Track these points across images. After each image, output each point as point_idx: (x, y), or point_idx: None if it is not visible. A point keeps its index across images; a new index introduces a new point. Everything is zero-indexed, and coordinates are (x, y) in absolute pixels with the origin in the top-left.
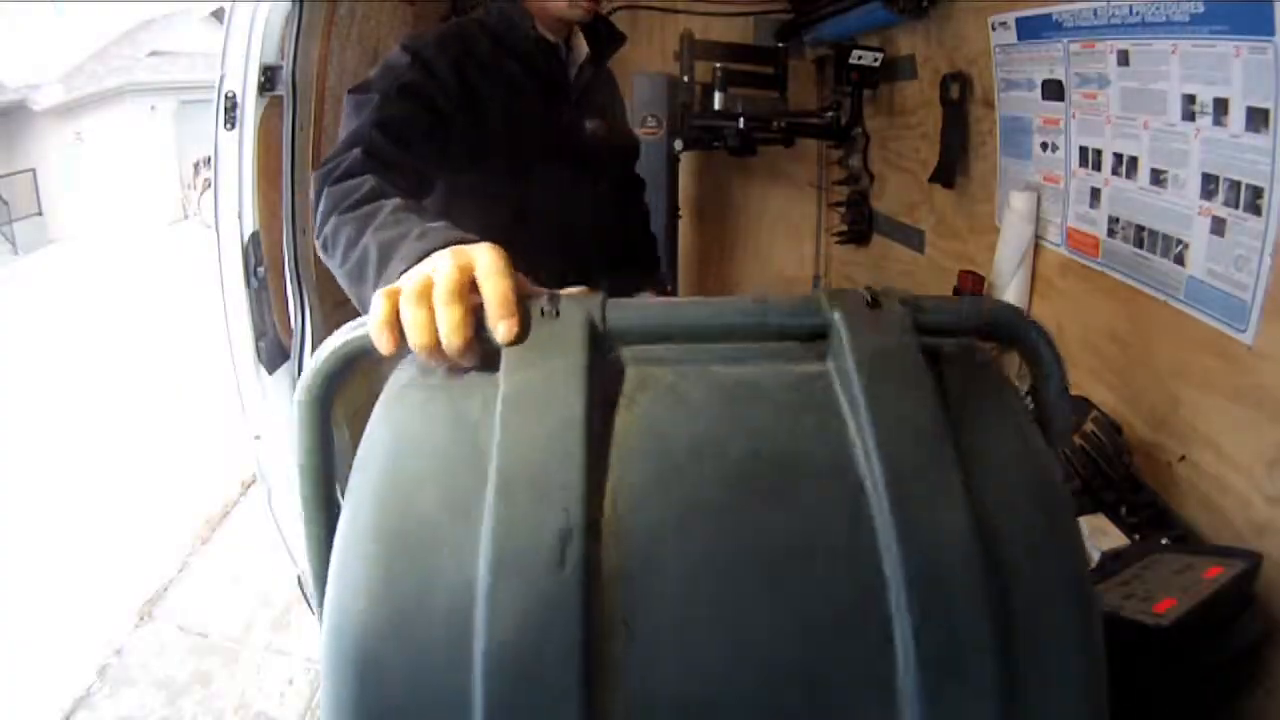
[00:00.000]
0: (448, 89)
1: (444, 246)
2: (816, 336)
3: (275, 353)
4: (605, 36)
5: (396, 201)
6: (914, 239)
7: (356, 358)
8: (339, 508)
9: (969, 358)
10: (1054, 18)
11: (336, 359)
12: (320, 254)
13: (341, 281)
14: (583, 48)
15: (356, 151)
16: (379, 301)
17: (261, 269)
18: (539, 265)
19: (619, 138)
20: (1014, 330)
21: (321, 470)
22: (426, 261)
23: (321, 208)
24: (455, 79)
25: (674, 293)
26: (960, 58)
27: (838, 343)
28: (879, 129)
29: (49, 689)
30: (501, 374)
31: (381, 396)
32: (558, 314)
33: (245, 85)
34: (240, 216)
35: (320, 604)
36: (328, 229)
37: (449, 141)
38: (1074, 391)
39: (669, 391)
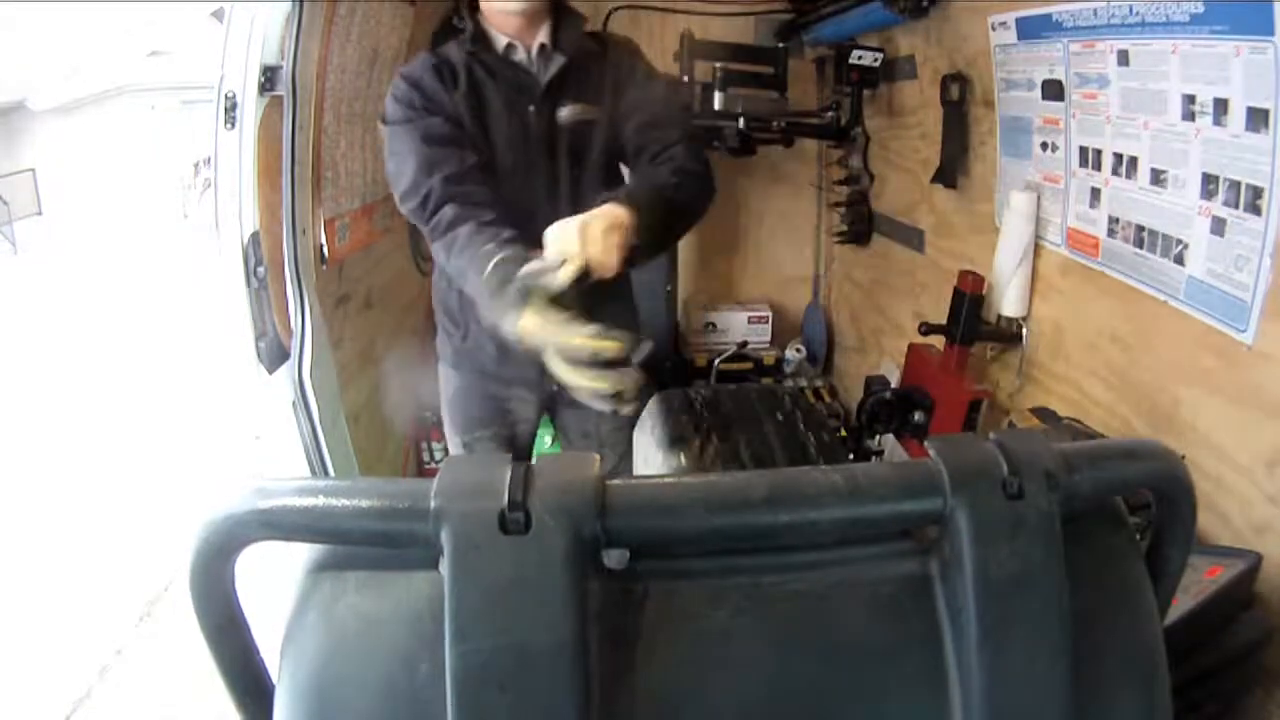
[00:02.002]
0: (445, 109)
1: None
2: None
3: (275, 353)
4: (566, 29)
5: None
6: (914, 239)
7: (248, 528)
8: (268, 682)
9: (1109, 535)
10: (1054, 18)
11: (223, 533)
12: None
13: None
14: (540, 37)
15: (433, 183)
16: None
17: (261, 269)
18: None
19: (614, 110)
20: (1170, 491)
21: (237, 654)
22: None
23: (431, 230)
24: (447, 99)
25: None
26: (960, 58)
27: (953, 551)
28: (879, 129)
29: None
30: (448, 638)
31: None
32: (527, 526)
33: (245, 85)
34: (240, 216)
35: None
36: (441, 246)
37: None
38: (1073, 391)
39: (705, 630)
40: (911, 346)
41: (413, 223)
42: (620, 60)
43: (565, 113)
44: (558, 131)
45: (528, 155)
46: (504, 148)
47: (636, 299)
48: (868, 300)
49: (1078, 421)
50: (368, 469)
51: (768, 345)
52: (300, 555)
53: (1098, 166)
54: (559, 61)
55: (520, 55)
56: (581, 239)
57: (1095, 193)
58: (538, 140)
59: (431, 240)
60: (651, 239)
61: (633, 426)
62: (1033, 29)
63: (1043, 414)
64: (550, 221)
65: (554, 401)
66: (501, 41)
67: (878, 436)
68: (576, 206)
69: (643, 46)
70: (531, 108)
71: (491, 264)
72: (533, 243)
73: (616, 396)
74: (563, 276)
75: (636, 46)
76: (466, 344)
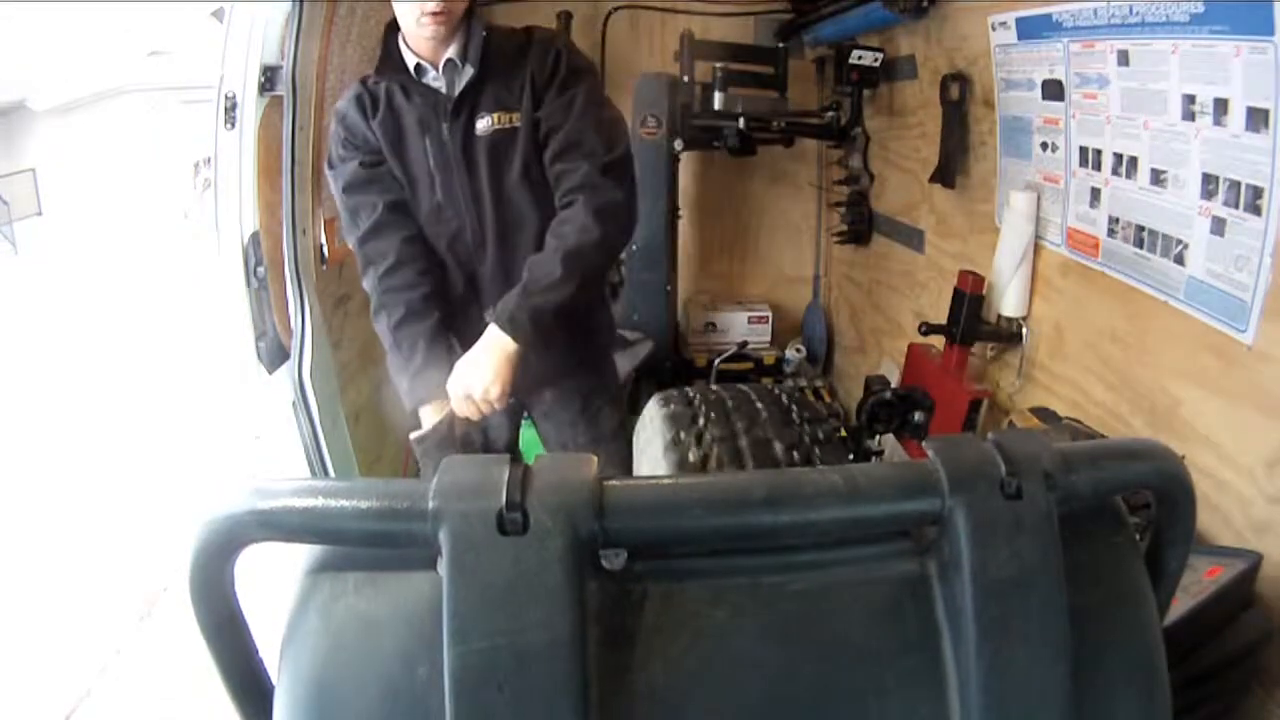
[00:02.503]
0: (366, 143)
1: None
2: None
3: (275, 353)
4: (472, 38)
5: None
6: (914, 239)
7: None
8: (268, 683)
9: (1109, 535)
10: (1054, 18)
11: (222, 534)
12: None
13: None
14: (447, 52)
15: (353, 243)
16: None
17: (261, 269)
18: (450, 286)
19: (534, 128)
20: (1170, 491)
21: (237, 654)
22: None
23: (371, 287)
24: (367, 130)
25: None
26: (960, 58)
27: (952, 552)
28: (879, 129)
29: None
30: (446, 638)
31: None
32: (525, 526)
33: (245, 85)
34: (240, 216)
35: None
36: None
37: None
38: (1073, 391)
39: (705, 630)
40: (911, 346)
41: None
42: (541, 63)
43: (482, 125)
44: (475, 144)
45: (445, 173)
46: (421, 169)
47: (633, 302)
48: (868, 300)
49: (1078, 422)
50: (368, 469)
51: (768, 345)
52: (300, 556)
53: (1098, 166)
54: (468, 74)
55: (430, 74)
56: (467, 392)
57: (1095, 193)
58: (456, 157)
59: (374, 304)
60: (554, 322)
61: (614, 437)
62: (1033, 29)
63: (1043, 414)
64: (478, 239)
65: (530, 414)
66: (412, 62)
67: (878, 436)
68: (502, 216)
69: (643, 46)
70: (445, 125)
71: (405, 391)
72: (455, 255)
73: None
74: (454, 425)
75: (561, 45)
76: None
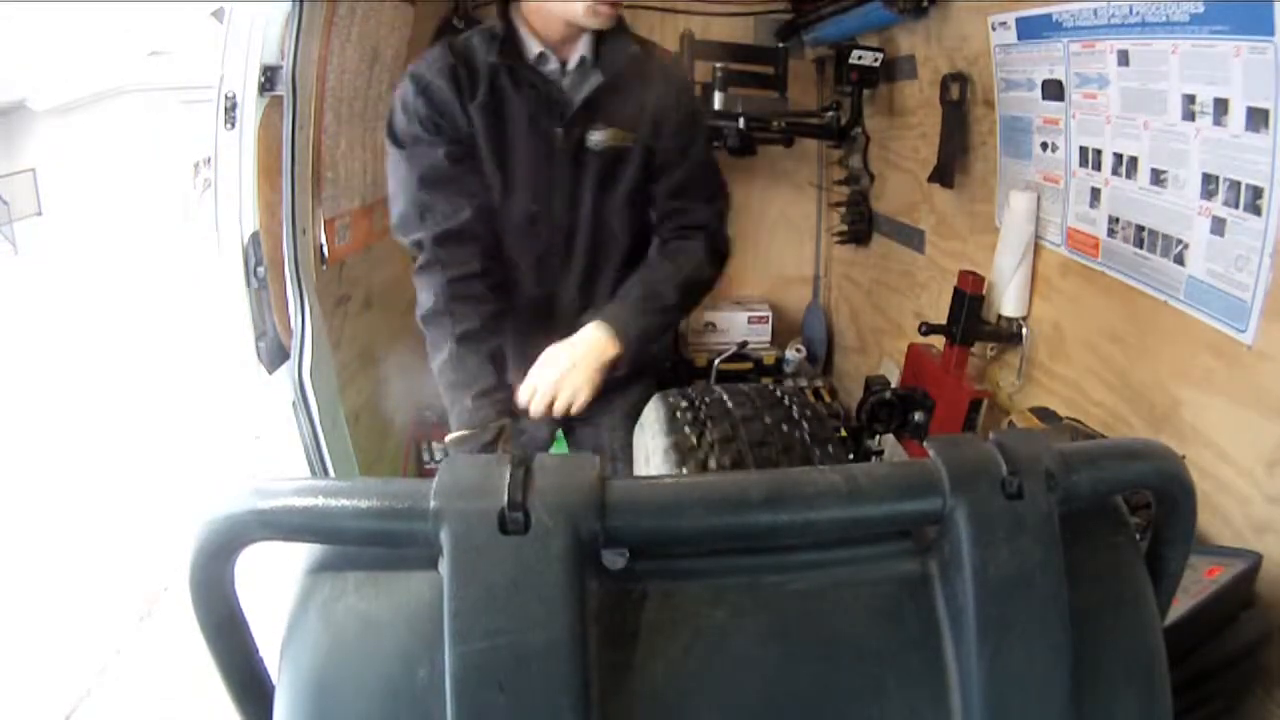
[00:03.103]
0: (455, 127)
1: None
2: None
3: (275, 353)
4: (609, 44)
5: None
6: (914, 239)
7: (247, 528)
8: (268, 683)
9: (1109, 535)
10: (1054, 18)
11: (222, 534)
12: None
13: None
14: (580, 50)
15: (423, 236)
16: None
17: (261, 269)
18: (519, 303)
19: (645, 150)
20: (1170, 491)
21: (237, 654)
22: None
23: (434, 286)
24: (460, 112)
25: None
26: (960, 58)
27: (953, 551)
28: (879, 129)
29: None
30: (447, 638)
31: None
32: (526, 526)
33: (245, 85)
34: (240, 216)
35: None
36: (424, 320)
37: (478, 166)
38: (1073, 391)
39: (705, 630)
40: (911, 346)
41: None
42: (663, 87)
43: (597, 138)
44: (585, 158)
45: (549, 181)
46: (522, 171)
47: None
48: (868, 300)
49: (1078, 422)
50: (368, 469)
51: (768, 345)
52: (300, 555)
53: (1098, 166)
54: (595, 80)
55: (553, 67)
56: (554, 391)
57: (1095, 193)
58: (562, 165)
59: (418, 290)
60: (647, 346)
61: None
62: (1033, 29)
63: (1043, 414)
64: (564, 254)
65: (567, 420)
66: (534, 49)
67: (878, 436)
68: (597, 236)
69: None
70: (559, 129)
71: (464, 409)
72: (537, 269)
73: None
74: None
75: (683, 71)
76: None
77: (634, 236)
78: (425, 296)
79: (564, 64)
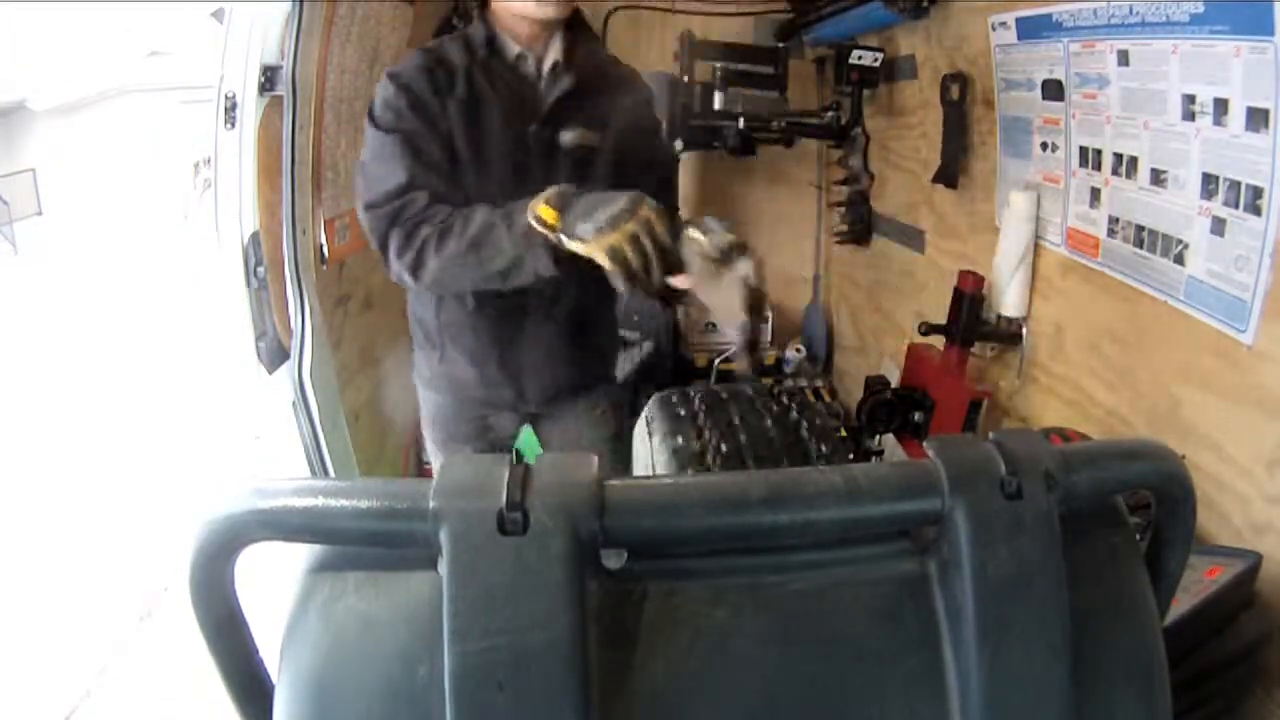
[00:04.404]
0: (434, 120)
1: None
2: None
3: (275, 353)
4: (580, 47)
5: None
6: (914, 239)
7: (247, 528)
8: (268, 683)
9: (1109, 535)
10: (1054, 18)
11: (222, 534)
12: (408, 269)
13: (461, 262)
14: (554, 57)
15: (414, 195)
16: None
17: (261, 269)
18: (493, 296)
19: (613, 153)
20: (1170, 491)
21: (237, 654)
22: None
23: (404, 237)
24: (438, 107)
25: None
26: (960, 58)
27: (952, 551)
28: (879, 129)
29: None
30: (447, 638)
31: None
32: (525, 526)
33: (245, 85)
34: (240, 216)
35: None
36: (426, 244)
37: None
38: (1073, 391)
39: (705, 630)
40: (911, 346)
41: (373, 231)
42: (628, 99)
43: (568, 136)
44: (556, 156)
45: (519, 179)
46: (495, 168)
47: (633, 302)
48: (868, 300)
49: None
50: (368, 469)
51: (768, 345)
52: (300, 555)
53: (1098, 166)
54: (566, 81)
55: (529, 67)
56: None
57: (1095, 193)
58: (535, 163)
59: (410, 247)
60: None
61: (617, 438)
62: (1033, 29)
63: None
64: None
65: (536, 418)
66: (513, 50)
67: (878, 436)
68: None
69: (642, 46)
70: (532, 127)
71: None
72: None
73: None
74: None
75: (646, 86)
76: (444, 364)
77: None
78: (438, 235)
79: (539, 65)
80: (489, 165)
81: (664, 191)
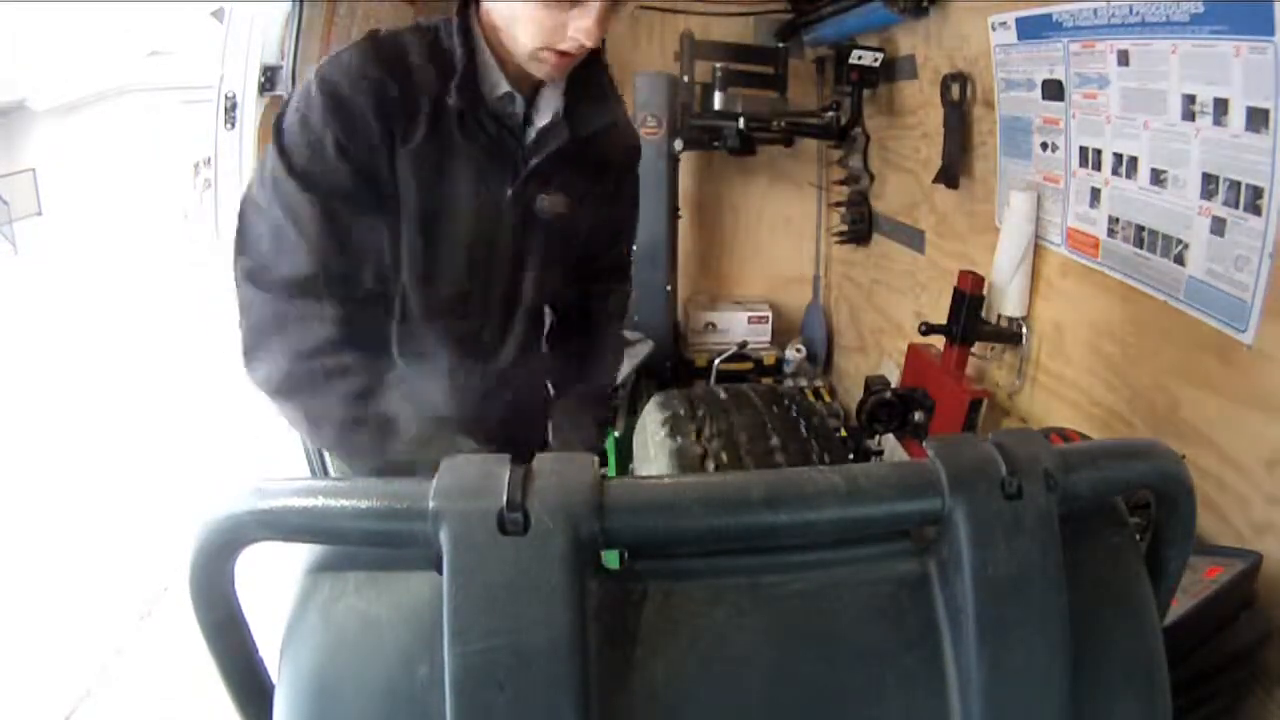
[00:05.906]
0: (376, 164)
1: None
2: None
3: None
4: (588, 95)
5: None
6: (914, 239)
7: (247, 528)
8: (268, 682)
9: (1109, 535)
10: (1054, 18)
11: (222, 534)
12: (267, 387)
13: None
14: (552, 104)
15: (319, 298)
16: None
17: None
18: (446, 358)
19: (588, 222)
20: (1170, 491)
21: (237, 654)
22: None
23: (287, 353)
24: (386, 147)
25: (617, 397)
26: (960, 58)
27: (952, 551)
28: (879, 129)
29: (49, 688)
30: (447, 638)
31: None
32: (525, 526)
33: (245, 85)
34: None
35: None
36: (306, 379)
37: (384, 208)
38: (1073, 391)
39: (705, 630)
40: (911, 346)
41: (246, 310)
42: (619, 165)
43: (545, 204)
44: (534, 225)
45: (490, 254)
46: (447, 234)
47: (633, 302)
48: (868, 300)
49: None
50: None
51: (768, 345)
52: (300, 555)
53: (1098, 166)
54: (561, 138)
55: (515, 113)
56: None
57: (1095, 193)
58: (500, 232)
59: (281, 368)
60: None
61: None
62: (1033, 29)
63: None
64: (497, 337)
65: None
66: (499, 85)
67: (878, 436)
68: (532, 315)
69: (642, 46)
70: (509, 189)
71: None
72: (466, 335)
73: None
74: None
75: (638, 147)
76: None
77: (545, 312)
78: (300, 336)
79: (530, 113)
80: (439, 231)
81: (617, 270)
